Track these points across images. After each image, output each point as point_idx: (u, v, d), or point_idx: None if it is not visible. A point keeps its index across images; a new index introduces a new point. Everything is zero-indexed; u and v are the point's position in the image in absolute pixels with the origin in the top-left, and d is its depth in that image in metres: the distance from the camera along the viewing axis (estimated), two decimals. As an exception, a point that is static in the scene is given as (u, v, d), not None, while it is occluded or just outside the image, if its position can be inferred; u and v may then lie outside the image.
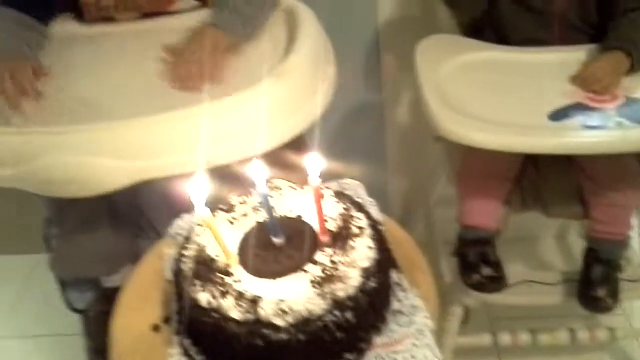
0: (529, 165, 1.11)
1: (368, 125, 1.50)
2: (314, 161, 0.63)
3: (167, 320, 0.68)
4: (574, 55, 1.03)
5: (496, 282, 1.06)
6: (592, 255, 1.09)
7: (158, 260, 0.75)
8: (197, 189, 0.60)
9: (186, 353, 0.64)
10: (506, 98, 0.98)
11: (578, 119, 0.91)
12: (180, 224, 0.78)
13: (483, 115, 0.93)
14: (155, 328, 0.68)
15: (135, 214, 1.07)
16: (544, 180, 1.11)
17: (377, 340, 0.63)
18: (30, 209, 1.15)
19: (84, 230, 1.00)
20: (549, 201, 1.11)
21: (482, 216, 1.09)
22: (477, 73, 1.04)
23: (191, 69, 0.87)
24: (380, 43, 1.38)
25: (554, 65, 1.03)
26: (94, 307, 1.05)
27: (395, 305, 0.66)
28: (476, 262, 1.07)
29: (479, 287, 1.07)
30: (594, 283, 1.06)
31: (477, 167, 1.08)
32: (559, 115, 0.93)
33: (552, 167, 1.11)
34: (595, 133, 0.88)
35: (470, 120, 0.92)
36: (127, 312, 0.71)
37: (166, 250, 0.75)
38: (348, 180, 0.82)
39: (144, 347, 0.67)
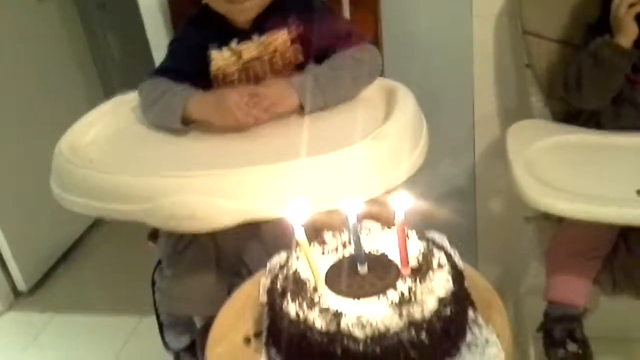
0: (620, 246, 1.11)
1: (459, 209, 1.55)
2: (401, 199, 0.71)
3: (257, 335, 0.76)
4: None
5: (582, 359, 1.04)
6: None
7: (254, 288, 0.84)
8: (297, 216, 0.70)
9: (273, 361, 0.71)
10: (594, 175, 1.02)
11: (667, 196, 0.93)
12: (278, 260, 0.87)
13: (570, 189, 0.97)
14: (247, 341, 0.76)
15: (237, 265, 1.17)
16: (636, 262, 1.10)
17: (449, 365, 0.67)
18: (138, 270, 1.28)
19: (194, 273, 1.11)
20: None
21: (569, 293, 1.09)
22: (566, 153, 1.09)
23: (242, 102, 0.99)
24: (476, 129, 1.47)
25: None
26: (201, 338, 1.14)
27: (469, 338, 0.70)
28: (562, 338, 1.06)
29: None
30: None
31: (565, 244, 1.11)
32: (647, 192, 0.95)
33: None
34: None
35: (556, 191, 0.97)
36: (222, 327, 0.80)
37: (263, 279, 0.84)
38: (433, 232, 0.88)
39: (236, 355, 0.74)
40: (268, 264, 0.87)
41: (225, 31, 1.13)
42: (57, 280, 2.15)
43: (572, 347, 1.05)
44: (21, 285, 2.08)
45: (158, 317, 1.25)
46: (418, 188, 0.99)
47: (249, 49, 1.11)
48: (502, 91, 1.44)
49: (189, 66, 1.13)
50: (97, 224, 2.43)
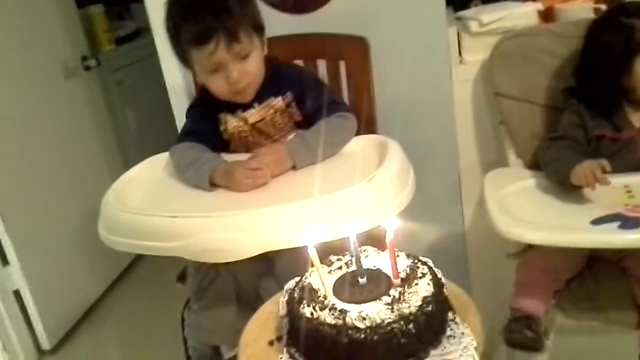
0: (586, 274, 1.29)
1: (450, 249, 1.74)
2: (391, 223, 0.90)
3: (279, 339, 0.93)
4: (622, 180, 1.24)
5: (535, 343, 1.22)
6: None
7: (274, 306, 1.02)
8: (310, 240, 0.89)
9: (292, 356, 0.88)
10: (556, 210, 1.21)
11: (615, 224, 1.12)
12: (293, 282, 1.04)
13: (536, 221, 1.16)
14: (271, 343, 0.93)
15: (255, 301, 1.34)
16: (600, 288, 1.28)
17: (432, 352, 0.84)
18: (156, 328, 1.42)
19: (218, 305, 1.29)
20: (606, 309, 1.26)
21: (530, 304, 1.27)
22: (534, 194, 1.29)
23: (247, 173, 1.20)
24: (462, 181, 1.67)
25: (602, 189, 1.23)
26: None
27: (449, 332, 0.87)
28: (520, 328, 1.24)
29: (519, 344, 1.23)
30: None
31: (533, 263, 1.30)
32: (599, 221, 1.14)
33: (607, 276, 1.28)
34: (627, 232, 1.08)
35: (525, 223, 1.15)
36: (249, 335, 0.97)
37: (281, 298, 1.01)
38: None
39: (263, 355, 0.92)
40: (285, 287, 1.05)
41: (231, 104, 1.35)
42: (78, 339, 2.29)
43: (528, 333, 1.22)
44: (45, 344, 2.22)
45: (187, 351, 1.41)
46: (413, 235, 1.17)
47: (253, 115, 1.34)
48: (482, 145, 1.65)
49: (206, 127, 1.37)
50: (116, 283, 2.60)
